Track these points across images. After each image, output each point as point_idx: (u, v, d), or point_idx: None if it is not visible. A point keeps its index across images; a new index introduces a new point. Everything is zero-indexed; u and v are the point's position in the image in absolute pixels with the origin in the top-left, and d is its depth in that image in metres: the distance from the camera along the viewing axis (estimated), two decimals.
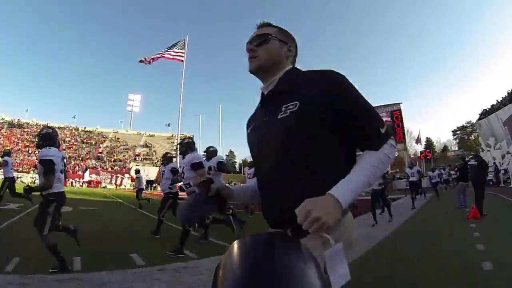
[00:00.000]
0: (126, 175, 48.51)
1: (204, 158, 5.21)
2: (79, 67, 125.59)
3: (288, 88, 1.01)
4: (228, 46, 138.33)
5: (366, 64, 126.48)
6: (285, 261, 0.39)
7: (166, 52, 23.59)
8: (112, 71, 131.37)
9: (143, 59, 23.33)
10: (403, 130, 50.51)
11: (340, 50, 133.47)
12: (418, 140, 40.79)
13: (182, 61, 24.39)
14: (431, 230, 6.18)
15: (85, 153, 52.69)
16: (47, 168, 3.24)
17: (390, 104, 52.88)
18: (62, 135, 56.90)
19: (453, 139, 65.54)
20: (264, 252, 0.41)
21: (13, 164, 9.42)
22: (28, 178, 36.17)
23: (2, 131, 50.51)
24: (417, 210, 9.99)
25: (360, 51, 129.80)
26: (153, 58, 23.26)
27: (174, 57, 23.93)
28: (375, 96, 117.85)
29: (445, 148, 65.52)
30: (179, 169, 5.81)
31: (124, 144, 59.29)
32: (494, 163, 19.65)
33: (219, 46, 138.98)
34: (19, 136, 50.90)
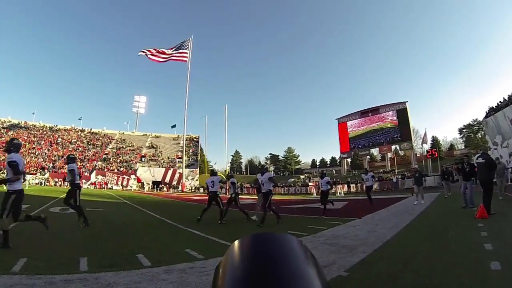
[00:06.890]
0: (132, 176, 48.87)
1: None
2: (84, 69, 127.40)
3: None
4: (233, 47, 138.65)
5: (371, 64, 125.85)
6: (285, 260, 0.39)
7: (171, 55, 23.83)
8: (117, 73, 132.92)
9: (145, 51, 23.56)
10: (409, 128, 50.16)
11: (345, 49, 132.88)
12: (424, 141, 40.44)
13: (185, 61, 24.58)
14: (438, 229, 6.11)
15: (91, 154, 53.15)
16: None
17: (396, 103, 52.55)
18: (68, 136, 57.52)
19: (459, 138, 64.92)
20: (264, 251, 0.41)
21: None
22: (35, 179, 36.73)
23: (9, 133, 51.15)
24: (424, 209, 9.89)
25: (366, 50, 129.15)
26: (156, 58, 23.51)
27: (178, 58, 24.17)
28: (381, 94, 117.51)
29: (451, 147, 64.83)
30: None
31: (130, 145, 59.70)
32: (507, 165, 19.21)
33: (224, 48, 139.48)
34: (25, 138, 51.49)
